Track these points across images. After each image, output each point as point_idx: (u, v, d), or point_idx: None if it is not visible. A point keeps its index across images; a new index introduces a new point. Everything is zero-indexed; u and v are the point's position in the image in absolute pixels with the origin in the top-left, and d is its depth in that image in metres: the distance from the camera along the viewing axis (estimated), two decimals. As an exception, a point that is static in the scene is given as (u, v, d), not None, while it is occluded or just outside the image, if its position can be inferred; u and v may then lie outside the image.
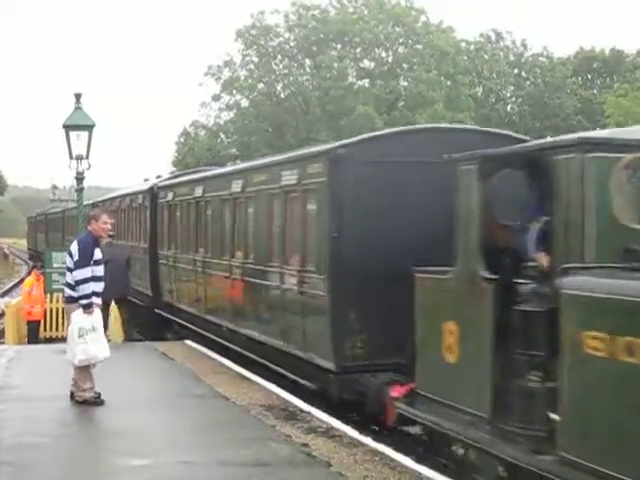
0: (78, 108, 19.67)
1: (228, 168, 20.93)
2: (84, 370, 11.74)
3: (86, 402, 11.71)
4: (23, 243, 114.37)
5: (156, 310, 24.16)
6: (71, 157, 19.68)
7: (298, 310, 13.40)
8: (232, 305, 17.05)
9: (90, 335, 11.58)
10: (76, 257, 11.67)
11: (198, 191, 20.04)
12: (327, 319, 12.35)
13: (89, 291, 11.65)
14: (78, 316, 11.60)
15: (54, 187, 78.83)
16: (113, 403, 11.79)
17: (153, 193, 24.92)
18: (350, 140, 13.03)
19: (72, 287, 11.74)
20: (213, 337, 18.61)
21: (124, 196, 30.45)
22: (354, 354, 12.06)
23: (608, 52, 69.93)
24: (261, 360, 15.32)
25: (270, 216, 15.11)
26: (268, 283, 14.86)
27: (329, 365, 12.36)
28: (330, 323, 12.28)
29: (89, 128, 19.70)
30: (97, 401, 11.76)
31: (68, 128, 19.60)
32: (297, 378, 13.65)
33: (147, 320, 25.00)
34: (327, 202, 12.42)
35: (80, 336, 11.55)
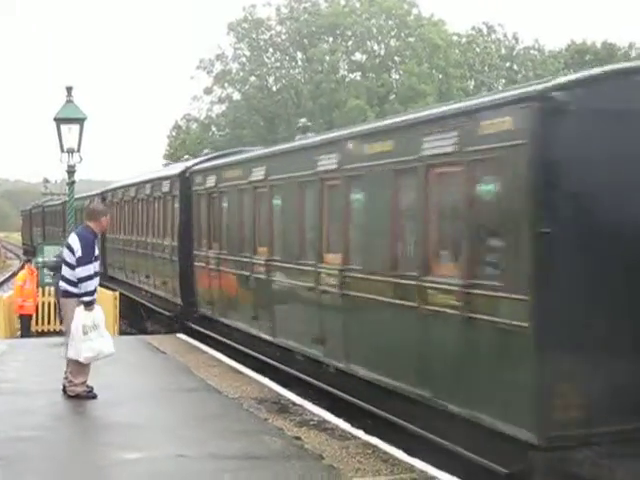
0: (69, 101, 19.62)
1: (310, 139, 14.87)
2: (79, 365, 11.70)
3: (78, 396, 11.69)
4: (15, 237, 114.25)
5: (190, 324, 19.90)
6: (62, 150, 19.63)
7: (460, 344, 9.00)
8: (322, 329, 12.62)
9: (94, 332, 11.56)
10: (79, 254, 11.50)
11: (258, 173, 15.48)
12: (526, 362, 8.01)
13: (92, 288, 11.62)
14: (80, 313, 11.56)
15: (46, 181, 78.69)
16: (105, 397, 11.75)
17: (184, 179, 20.49)
18: (571, 78, 8.42)
19: (70, 282, 11.65)
20: (286, 368, 14.49)
21: (142, 184, 25.67)
22: (568, 418, 7.89)
23: (600, 45, 69.98)
24: (380, 412, 11.14)
25: (394, 202, 10.65)
26: (394, 302, 10.31)
27: (525, 435, 8.07)
28: (532, 368, 7.95)
29: (80, 121, 19.64)
30: (89, 395, 11.73)
31: (59, 121, 19.54)
32: (463, 451, 9.19)
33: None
34: (528, 178, 8.03)
35: (85, 333, 11.52)
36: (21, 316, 22.67)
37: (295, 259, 13.71)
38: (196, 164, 21.21)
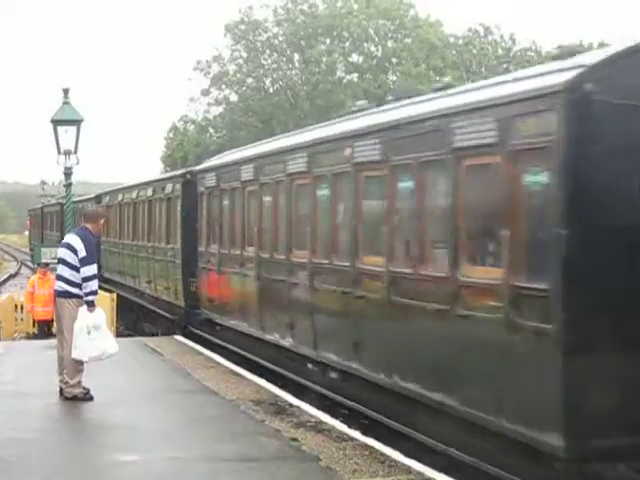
0: (66, 103, 19.59)
1: None
2: (76, 364, 11.70)
3: (75, 398, 11.68)
4: (12, 239, 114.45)
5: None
6: (59, 152, 19.61)
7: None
8: None
9: (97, 332, 11.60)
10: (83, 253, 11.58)
11: None
12: None
13: (95, 288, 11.69)
14: (84, 313, 11.58)
15: (43, 182, 78.67)
16: (102, 399, 11.75)
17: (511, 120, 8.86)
18: None
19: (71, 283, 11.66)
20: None
21: (276, 156, 14.98)
22: None
23: (596, 46, 70.09)
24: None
25: None
26: None
27: None
28: None
29: (77, 123, 19.60)
30: (86, 397, 11.73)
31: (56, 123, 19.52)
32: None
33: None
34: None
35: (88, 333, 11.55)
36: (38, 322, 22.60)
37: None
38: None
